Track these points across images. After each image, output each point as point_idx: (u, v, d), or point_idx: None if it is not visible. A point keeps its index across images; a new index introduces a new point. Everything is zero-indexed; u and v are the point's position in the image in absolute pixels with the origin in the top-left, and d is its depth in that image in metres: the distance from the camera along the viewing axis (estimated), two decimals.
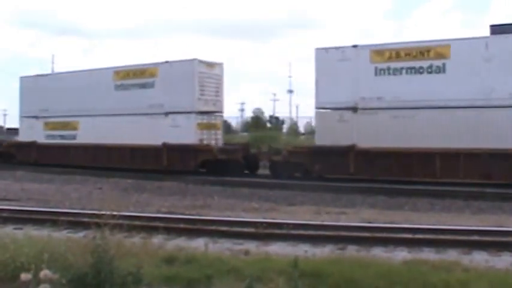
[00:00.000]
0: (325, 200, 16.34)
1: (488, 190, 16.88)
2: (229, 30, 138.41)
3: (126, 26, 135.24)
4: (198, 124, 24.05)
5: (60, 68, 59.47)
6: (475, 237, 9.42)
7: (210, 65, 24.84)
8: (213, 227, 10.65)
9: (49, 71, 54.32)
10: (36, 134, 29.66)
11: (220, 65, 25.33)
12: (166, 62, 25.01)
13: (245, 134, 49.59)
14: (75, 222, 10.62)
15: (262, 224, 10.48)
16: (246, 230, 10.36)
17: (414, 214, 13.62)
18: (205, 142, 24.19)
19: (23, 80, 31.53)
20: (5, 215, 11.60)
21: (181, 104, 24.07)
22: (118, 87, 26.53)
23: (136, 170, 24.05)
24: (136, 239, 8.59)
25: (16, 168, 26.65)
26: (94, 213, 6.76)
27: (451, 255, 8.39)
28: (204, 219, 11.60)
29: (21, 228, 10.09)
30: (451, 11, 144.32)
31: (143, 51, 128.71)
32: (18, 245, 6.29)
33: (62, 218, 10.77)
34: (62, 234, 8.88)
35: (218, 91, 25.12)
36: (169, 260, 7.04)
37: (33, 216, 11.57)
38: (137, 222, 10.04)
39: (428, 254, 8.45)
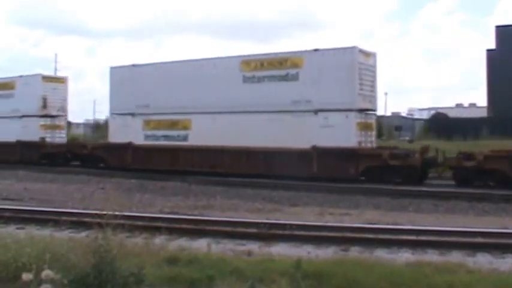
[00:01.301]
0: (329, 200, 16.31)
1: (492, 192, 16.86)
2: (232, 31, 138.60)
3: (129, 26, 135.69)
4: (358, 124, 20.75)
5: (62, 68, 59.48)
6: (479, 239, 9.37)
7: (367, 54, 21.71)
8: (216, 228, 10.62)
9: (52, 71, 54.15)
10: (132, 134, 25.85)
11: (374, 54, 22.19)
12: (316, 50, 21.63)
13: None
14: (78, 222, 10.61)
15: (265, 224, 10.46)
16: (249, 230, 10.33)
17: (418, 215, 13.59)
18: (363, 145, 21.07)
19: (115, 71, 27.44)
20: (7, 214, 11.59)
21: (336, 100, 20.64)
22: (248, 80, 22.78)
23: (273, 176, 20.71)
24: (139, 239, 8.58)
25: (18, 168, 26.65)
26: (96, 213, 6.73)
27: (455, 257, 8.34)
28: (207, 220, 11.59)
29: (23, 228, 10.09)
30: (456, 11, 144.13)
31: (146, 51, 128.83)
32: (20, 244, 6.28)
33: (64, 218, 10.77)
34: (64, 234, 8.88)
35: (373, 85, 21.95)
36: (172, 260, 7.02)
37: (36, 216, 11.57)
38: (139, 223, 10.03)
39: (432, 256, 8.41)
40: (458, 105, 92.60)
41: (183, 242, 9.30)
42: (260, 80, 22.60)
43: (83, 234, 9.01)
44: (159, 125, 25.36)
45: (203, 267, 6.63)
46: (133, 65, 26.63)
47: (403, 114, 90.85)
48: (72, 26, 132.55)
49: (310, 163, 20.82)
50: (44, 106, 30.59)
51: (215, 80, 23.47)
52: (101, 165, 27.34)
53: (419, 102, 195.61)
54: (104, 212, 6.12)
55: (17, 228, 10.14)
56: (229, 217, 12.47)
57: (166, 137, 25.11)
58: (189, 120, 24.37)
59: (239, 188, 19.06)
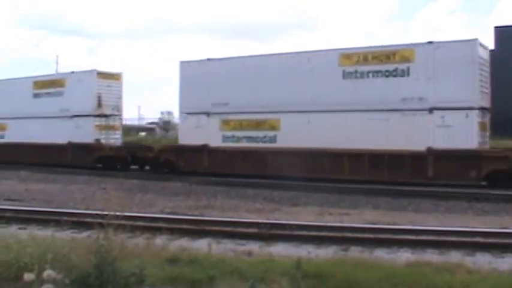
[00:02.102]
0: (329, 201, 16.32)
1: (492, 192, 16.87)
2: (231, 32, 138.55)
3: (129, 26, 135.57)
4: (479, 124, 19.15)
5: (63, 69, 59.33)
6: (479, 239, 9.41)
7: (484, 48, 20.28)
8: (217, 228, 10.65)
9: (53, 72, 54.10)
10: (207, 135, 23.50)
11: (487, 48, 20.76)
12: (430, 42, 19.84)
13: None
14: (79, 223, 10.65)
15: (265, 224, 10.50)
16: (249, 230, 10.37)
17: (417, 215, 13.59)
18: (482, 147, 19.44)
19: (186, 66, 24.89)
20: (9, 215, 11.65)
21: (455, 98, 18.83)
22: (349, 75, 20.82)
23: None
24: (140, 240, 8.61)
25: (20, 169, 26.66)
26: (98, 214, 6.77)
27: (455, 257, 8.37)
28: (208, 220, 11.62)
29: (25, 228, 10.11)
30: (455, 12, 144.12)
31: (147, 52, 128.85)
32: (22, 245, 6.30)
33: (66, 218, 10.82)
34: (65, 235, 8.92)
35: (488, 82, 20.37)
36: (173, 260, 7.05)
37: (37, 217, 11.60)
38: (140, 223, 10.06)
39: (431, 256, 8.43)
40: None
41: (184, 242, 9.33)
42: (363, 75, 20.58)
43: (85, 234, 9.06)
44: (240, 125, 23.07)
45: (204, 267, 6.66)
46: (209, 59, 24.28)
47: None
48: (72, 27, 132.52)
49: (425, 167, 19.06)
50: (99, 105, 27.91)
51: (309, 76, 21.40)
52: (167, 170, 24.55)
53: None
54: (105, 213, 6.16)
55: (19, 229, 10.17)
56: (230, 217, 12.49)
57: (249, 139, 22.84)
58: (278, 119, 22.14)
59: (239, 188, 19.08)
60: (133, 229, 8.51)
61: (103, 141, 27.69)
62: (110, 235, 5.68)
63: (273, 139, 22.24)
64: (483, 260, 8.17)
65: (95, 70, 28.25)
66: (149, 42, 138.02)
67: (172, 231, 9.98)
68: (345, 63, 20.95)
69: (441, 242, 9.28)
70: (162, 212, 13.49)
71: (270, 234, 9.98)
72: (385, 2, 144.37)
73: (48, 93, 29.59)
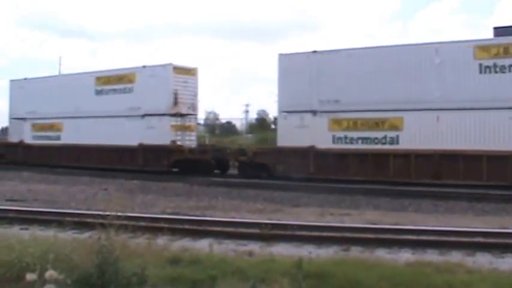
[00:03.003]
0: (330, 201, 16.36)
1: (492, 192, 16.89)
2: (232, 32, 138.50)
3: (132, 27, 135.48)
4: None
5: (65, 69, 59.33)
6: (479, 239, 9.43)
7: None
8: (218, 228, 10.67)
9: (56, 73, 53.97)
10: (313, 135, 21.34)
11: None
12: None
13: (249, 135, 49.59)
14: (81, 223, 10.68)
15: (266, 225, 10.51)
16: (250, 231, 10.39)
17: (418, 216, 13.63)
18: None
19: (286, 59, 22.49)
20: (11, 215, 11.67)
21: None
22: (487, 69, 18.89)
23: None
24: (141, 240, 8.64)
25: (22, 169, 26.71)
26: (99, 214, 6.79)
27: (455, 256, 8.39)
28: (209, 220, 11.65)
29: (27, 229, 10.13)
30: (455, 12, 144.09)
31: (149, 53, 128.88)
32: (24, 245, 6.32)
33: (68, 218, 10.85)
34: (67, 235, 8.93)
35: None
36: (174, 260, 7.08)
37: (39, 217, 11.61)
38: (142, 223, 10.09)
39: (432, 256, 8.45)
40: None
41: (185, 243, 9.36)
42: (502, 69, 18.81)
43: (86, 234, 9.09)
44: (354, 124, 20.78)
45: (205, 267, 6.68)
46: (315, 52, 21.76)
47: None
48: (74, 29, 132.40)
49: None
50: (175, 103, 25.19)
51: (438, 70, 19.46)
52: (261, 175, 22.12)
53: None
54: (107, 213, 6.18)
55: (21, 229, 10.21)
56: (231, 218, 12.52)
57: (365, 140, 20.57)
58: (400, 118, 19.98)
59: (241, 189, 19.12)
60: (135, 229, 8.55)
61: (179, 143, 25.17)
62: (112, 235, 5.70)
63: (394, 140, 20.18)
64: (483, 260, 8.18)
65: (171, 64, 25.48)
66: (151, 43, 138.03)
67: (173, 232, 10.01)
68: (481, 56, 19.08)
69: (441, 242, 9.30)
70: (163, 213, 13.51)
71: (271, 234, 9.99)
72: (386, 2, 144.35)
73: (114, 90, 26.99)
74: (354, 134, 20.74)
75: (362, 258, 7.93)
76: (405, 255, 8.53)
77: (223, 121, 66.32)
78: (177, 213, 13.32)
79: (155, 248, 7.92)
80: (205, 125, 66.53)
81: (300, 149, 21.25)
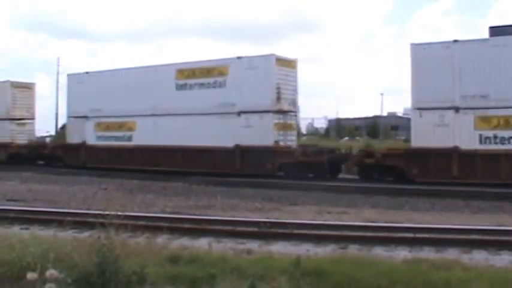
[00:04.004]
0: (327, 199, 16.41)
1: (487, 190, 16.94)
2: (232, 34, 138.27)
3: (131, 28, 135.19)
4: None
5: (64, 71, 58.99)
6: (475, 236, 9.50)
7: None
8: (217, 227, 10.72)
9: (54, 74, 53.54)
10: (455, 135, 19.10)
11: None
12: None
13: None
14: (81, 222, 10.72)
15: (265, 223, 10.57)
16: (249, 229, 10.45)
17: (415, 214, 13.68)
18: None
19: (419, 49, 19.91)
20: (11, 215, 11.68)
21: None
22: None
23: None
24: (141, 239, 8.67)
25: (22, 170, 26.69)
26: (99, 214, 6.83)
27: (452, 254, 8.45)
28: (208, 219, 11.68)
29: (27, 229, 10.17)
30: (451, 13, 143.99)
31: (148, 54, 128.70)
32: (25, 244, 6.36)
33: (68, 218, 10.86)
34: (67, 234, 8.98)
35: None
36: (174, 259, 7.12)
37: (40, 217, 11.65)
38: (142, 222, 10.10)
39: (428, 253, 8.51)
40: None
41: (184, 241, 9.41)
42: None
43: (86, 234, 9.13)
44: (507, 122, 18.39)
45: (204, 265, 6.72)
46: (455, 41, 19.47)
47: (400, 114, 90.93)
48: (73, 30, 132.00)
49: None
50: (278, 99, 22.39)
51: None
52: (391, 179, 20.37)
53: None
54: (107, 212, 6.22)
55: (22, 229, 10.24)
56: (230, 216, 12.57)
57: None
58: None
59: (239, 188, 19.15)
60: (135, 228, 8.56)
61: (281, 143, 22.60)
62: (112, 234, 5.74)
63: None
64: (480, 257, 8.26)
65: (274, 55, 22.60)
66: (150, 45, 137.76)
67: (173, 231, 10.05)
68: None
69: (438, 239, 9.37)
70: (162, 212, 13.56)
71: (269, 232, 10.05)
72: (382, 3, 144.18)
73: (200, 84, 23.89)
74: (506, 134, 18.52)
75: (360, 256, 7.99)
76: (402, 253, 8.58)
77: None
78: (177, 212, 13.37)
79: (155, 247, 7.96)
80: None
81: (441, 150, 19.20)
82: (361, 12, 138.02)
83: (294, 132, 24.04)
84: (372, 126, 62.98)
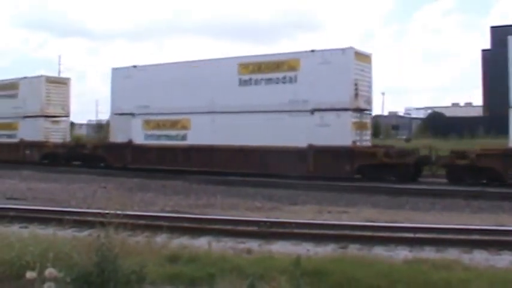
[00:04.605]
0: (327, 199, 16.39)
1: (488, 190, 16.93)
2: (232, 32, 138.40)
3: (131, 27, 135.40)
4: None
5: (65, 69, 59.00)
6: (476, 236, 9.48)
7: None
8: (217, 226, 10.70)
9: (55, 73, 53.41)
10: None
11: None
12: None
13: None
14: (80, 221, 10.70)
15: (265, 223, 10.57)
16: (249, 229, 10.45)
17: (415, 213, 13.66)
18: None
19: None
20: (11, 214, 11.66)
21: None
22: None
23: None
24: (140, 238, 8.67)
25: (22, 168, 26.68)
26: (99, 212, 6.83)
27: (452, 254, 8.44)
28: (208, 218, 11.67)
29: (26, 227, 10.18)
30: (452, 12, 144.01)
31: (147, 53, 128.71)
32: (24, 243, 6.35)
33: (67, 217, 10.82)
34: (67, 233, 8.97)
35: None
36: (173, 258, 7.12)
37: (39, 215, 11.66)
38: (141, 221, 10.11)
39: (429, 253, 8.50)
40: (455, 105, 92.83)
41: (184, 241, 9.40)
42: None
43: (86, 233, 9.12)
44: None
45: (204, 265, 6.72)
46: None
47: (401, 114, 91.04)
48: (74, 28, 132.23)
49: None
50: (356, 96, 20.75)
51: None
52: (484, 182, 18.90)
53: (417, 102, 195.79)
54: (106, 211, 6.22)
55: (21, 227, 10.23)
56: (230, 215, 12.55)
57: None
58: None
59: (239, 187, 19.13)
60: (134, 227, 8.56)
61: (357, 143, 21.06)
62: (111, 233, 5.73)
63: None
64: (480, 257, 8.24)
65: (352, 48, 21.05)
66: (150, 43, 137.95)
67: (172, 230, 10.02)
68: None
69: (438, 239, 9.35)
70: (162, 211, 13.55)
71: (269, 232, 10.05)
72: (383, 2, 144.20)
73: (268, 80, 22.05)
74: None
75: (360, 255, 7.98)
76: (403, 253, 8.57)
77: None
78: (176, 211, 13.36)
79: (154, 246, 7.95)
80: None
81: None
82: (362, 11, 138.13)
83: (369, 132, 22.59)
84: (373, 126, 63.06)
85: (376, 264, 6.88)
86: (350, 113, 20.55)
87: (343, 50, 20.79)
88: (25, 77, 31.02)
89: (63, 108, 30.82)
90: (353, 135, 20.67)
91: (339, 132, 20.40)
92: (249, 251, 8.46)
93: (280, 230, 10.23)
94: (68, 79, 32.15)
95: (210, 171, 22.86)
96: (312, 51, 21.33)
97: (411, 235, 9.69)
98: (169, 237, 9.56)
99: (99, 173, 24.07)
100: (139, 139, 25.84)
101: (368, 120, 22.36)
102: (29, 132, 29.77)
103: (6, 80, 32.19)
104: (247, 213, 13.43)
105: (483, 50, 50.47)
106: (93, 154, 27.83)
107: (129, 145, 26.00)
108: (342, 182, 19.42)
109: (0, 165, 27.94)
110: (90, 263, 5.44)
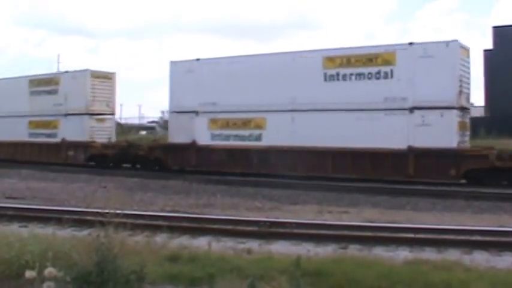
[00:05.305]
0: (328, 199, 16.37)
1: (489, 190, 16.90)
2: (233, 31, 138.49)
3: (130, 25, 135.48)
4: None
5: (64, 68, 58.91)
6: (476, 237, 9.47)
7: None
8: (217, 226, 10.70)
9: (55, 71, 53.25)
10: None
11: None
12: None
13: None
14: (80, 221, 10.70)
15: (265, 223, 10.55)
16: (249, 228, 10.43)
17: (416, 214, 13.65)
18: None
19: None
20: (10, 213, 11.68)
21: None
22: None
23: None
24: (140, 238, 8.67)
25: (21, 167, 26.63)
26: (98, 212, 6.81)
27: (453, 255, 8.42)
28: (208, 218, 11.67)
29: (26, 226, 10.15)
30: (454, 12, 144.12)
31: (147, 51, 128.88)
32: (23, 243, 6.35)
33: (67, 216, 10.80)
34: (66, 233, 8.95)
35: None
36: (173, 258, 7.11)
37: (38, 215, 11.65)
38: (141, 221, 10.11)
39: (429, 254, 8.48)
40: None
41: (184, 240, 9.39)
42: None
43: (85, 232, 9.10)
44: None
45: (204, 265, 6.71)
46: None
47: None
48: (73, 27, 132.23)
49: None
50: (460, 92, 19.22)
51: None
52: None
53: None
54: (106, 211, 6.20)
55: (20, 227, 10.22)
56: (230, 215, 12.54)
57: None
58: None
59: (239, 187, 19.10)
60: (134, 227, 8.55)
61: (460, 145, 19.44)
62: (111, 233, 5.72)
63: None
64: (481, 258, 8.22)
65: (457, 41, 19.37)
66: (150, 41, 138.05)
67: (172, 229, 10.02)
68: None
69: (439, 240, 9.34)
70: (162, 210, 13.53)
71: (269, 232, 10.04)
72: (385, 2, 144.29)
73: (358, 75, 20.14)
74: None
75: (360, 256, 7.97)
76: (403, 253, 8.56)
77: None
78: (176, 211, 13.35)
79: (154, 246, 7.95)
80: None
81: None
82: (363, 10, 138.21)
83: (468, 133, 20.90)
84: None
85: (377, 265, 6.87)
86: (455, 111, 18.98)
87: (447, 42, 19.16)
88: (67, 71, 29.14)
89: (108, 105, 28.37)
90: (457, 136, 19.21)
91: (443, 133, 18.78)
92: (249, 251, 8.44)
93: (280, 230, 10.22)
94: (113, 73, 29.16)
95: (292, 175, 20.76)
96: (410, 43, 19.64)
97: (412, 236, 9.67)
98: (169, 237, 9.55)
99: (99, 173, 24.03)
100: (204, 139, 23.68)
101: (467, 120, 20.74)
102: (71, 131, 27.67)
103: (45, 74, 30.34)
104: (247, 213, 13.41)
105: (485, 50, 50.42)
106: (148, 156, 25.59)
107: (192, 146, 23.88)
108: (342, 182, 19.38)
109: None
110: (89, 262, 5.43)
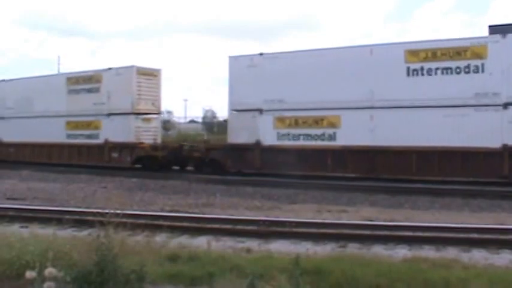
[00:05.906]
0: (327, 198, 16.39)
1: (487, 188, 16.91)
2: (232, 31, 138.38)
3: (131, 27, 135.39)
4: None
5: (65, 69, 58.84)
6: (475, 235, 9.51)
7: None
8: (216, 225, 10.72)
9: (55, 72, 52.54)
10: None
11: None
12: None
13: None
14: (80, 221, 10.73)
15: (264, 222, 10.58)
16: (248, 228, 10.45)
17: (414, 212, 13.68)
18: None
19: None
20: (11, 213, 11.72)
21: None
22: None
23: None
24: (140, 237, 8.69)
25: (22, 168, 26.60)
26: (98, 212, 6.84)
27: (451, 252, 8.46)
28: (207, 218, 11.69)
29: (26, 227, 10.16)
30: (451, 11, 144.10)
31: (148, 52, 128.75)
32: (24, 243, 6.38)
33: (67, 216, 10.89)
34: (66, 233, 9.00)
35: None
36: (173, 258, 7.14)
37: (39, 215, 11.66)
38: (141, 221, 10.13)
39: (428, 252, 8.53)
40: None
41: (183, 240, 9.42)
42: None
43: (85, 232, 9.15)
44: None
45: (203, 264, 6.74)
46: None
47: None
48: (74, 28, 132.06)
49: None
50: None
51: None
52: None
53: None
54: (106, 211, 6.23)
55: (21, 227, 10.24)
56: (229, 215, 12.56)
57: None
58: None
59: (238, 186, 19.12)
60: (134, 227, 8.59)
61: None
62: (111, 233, 5.75)
63: None
64: (479, 256, 8.26)
65: None
66: (150, 42, 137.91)
67: (172, 229, 10.06)
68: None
69: (437, 238, 9.37)
70: (162, 210, 13.55)
71: (269, 231, 10.07)
72: (383, 2, 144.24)
73: (446, 69, 18.71)
74: None
75: (359, 254, 7.99)
76: (402, 252, 8.60)
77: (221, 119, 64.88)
78: (176, 211, 13.37)
79: (154, 246, 7.97)
80: (204, 123, 65.18)
81: None
82: (362, 10, 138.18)
83: None
84: None
85: (376, 263, 6.90)
86: None
87: None
88: (110, 68, 26.77)
89: (153, 104, 26.52)
90: None
91: None
92: (248, 250, 8.47)
93: (280, 229, 10.24)
94: (159, 70, 27.20)
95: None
96: (503, 36, 18.11)
97: (410, 234, 9.71)
98: (168, 236, 9.59)
99: (99, 173, 24.02)
100: (269, 139, 21.96)
101: None
102: (115, 132, 25.99)
103: (85, 71, 28.17)
104: (246, 213, 13.43)
105: None
106: (204, 157, 23.83)
107: (257, 147, 22.11)
108: (341, 181, 19.40)
109: (0, 165, 27.81)
110: (89, 262, 5.45)
